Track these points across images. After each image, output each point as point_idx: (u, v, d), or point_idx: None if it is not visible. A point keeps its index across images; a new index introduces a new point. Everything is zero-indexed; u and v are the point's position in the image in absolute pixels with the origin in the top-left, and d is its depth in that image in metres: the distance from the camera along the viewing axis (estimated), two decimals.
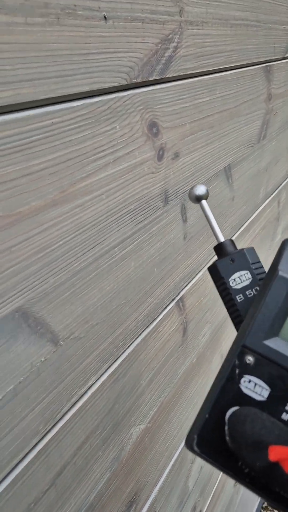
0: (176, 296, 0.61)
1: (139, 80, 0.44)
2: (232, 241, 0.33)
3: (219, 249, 0.33)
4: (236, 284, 0.31)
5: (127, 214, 0.46)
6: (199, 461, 0.85)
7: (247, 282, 0.31)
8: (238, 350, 0.27)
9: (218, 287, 0.32)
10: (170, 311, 0.60)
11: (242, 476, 0.26)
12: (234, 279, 0.31)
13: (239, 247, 0.34)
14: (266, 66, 0.81)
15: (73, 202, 0.38)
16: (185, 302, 0.64)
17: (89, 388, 0.45)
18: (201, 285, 0.69)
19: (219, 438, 0.27)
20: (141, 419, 0.58)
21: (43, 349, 0.37)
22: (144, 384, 0.57)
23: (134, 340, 0.52)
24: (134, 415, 0.56)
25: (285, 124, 1.02)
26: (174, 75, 0.50)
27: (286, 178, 1.12)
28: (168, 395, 0.65)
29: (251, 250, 0.32)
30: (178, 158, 0.54)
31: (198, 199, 0.35)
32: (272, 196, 1.01)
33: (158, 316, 0.57)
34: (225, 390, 0.27)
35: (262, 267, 0.32)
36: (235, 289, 0.31)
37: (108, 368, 0.48)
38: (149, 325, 0.55)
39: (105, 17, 0.37)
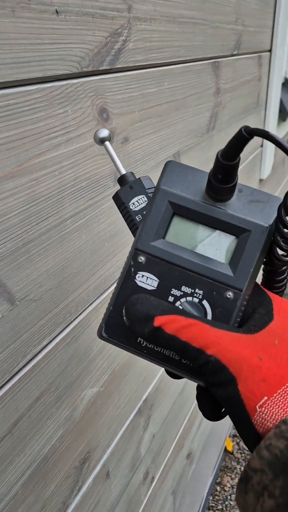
0: None
1: (90, 69, 0.48)
2: (132, 173, 0.39)
3: (121, 180, 0.39)
4: (135, 207, 0.37)
5: (79, 191, 0.50)
6: (151, 430, 0.91)
7: (143, 204, 0.37)
8: (132, 253, 0.34)
9: (121, 211, 0.38)
10: None
11: (141, 349, 0.33)
12: (133, 203, 0.37)
13: None
14: (214, 62, 0.88)
15: (29, 176, 0.42)
16: None
17: (43, 348, 0.50)
18: None
19: (120, 323, 0.33)
20: (93, 383, 0.63)
21: (0, 307, 0.42)
22: (96, 351, 0.62)
23: (86, 308, 0.57)
24: (86, 378, 0.61)
25: (234, 117, 1.09)
26: (123, 66, 0.55)
27: None
28: (119, 365, 0.70)
29: (147, 178, 0.38)
30: (128, 143, 0.59)
31: (102, 141, 0.41)
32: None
33: (109, 288, 0.62)
34: (124, 285, 0.34)
35: None
36: (134, 211, 0.37)
37: (61, 331, 0.53)
38: (100, 295, 0.60)
39: (57, 11, 0.42)
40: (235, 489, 1.77)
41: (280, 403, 0.27)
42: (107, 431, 0.71)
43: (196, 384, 0.33)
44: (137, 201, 0.37)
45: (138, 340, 0.33)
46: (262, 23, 1.16)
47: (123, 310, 0.32)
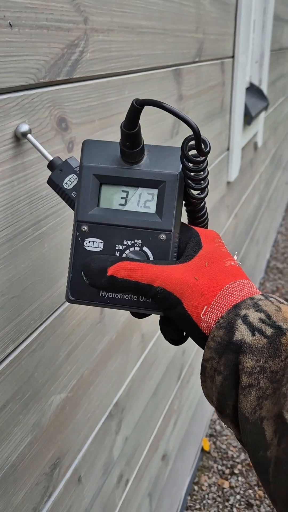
0: None
1: (47, 80, 0.49)
2: (58, 157, 0.43)
3: (50, 166, 0.43)
4: (68, 186, 0.41)
5: (39, 200, 0.51)
6: (124, 433, 0.92)
7: (75, 182, 0.41)
8: (75, 225, 0.39)
9: (58, 193, 0.42)
10: None
11: (105, 301, 0.39)
12: (66, 183, 0.41)
13: None
14: (176, 69, 0.89)
15: None
16: None
17: (8, 355, 0.50)
18: None
19: (82, 285, 0.39)
20: (61, 388, 0.64)
21: None
22: (62, 357, 0.63)
23: (51, 315, 0.58)
24: (53, 384, 0.61)
25: (199, 122, 1.11)
26: (81, 76, 0.56)
27: None
28: (87, 369, 0.71)
29: (72, 158, 0.42)
30: None
31: (24, 135, 0.44)
32: None
33: None
34: (76, 253, 0.39)
35: None
36: (69, 189, 0.41)
37: (26, 339, 0.53)
38: (65, 302, 0.61)
39: (10, 24, 0.42)
40: (212, 488, 1.79)
41: (217, 307, 0.35)
42: (77, 436, 0.71)
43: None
44: (69, 180, 0.41)
45: (101, 294, 0.39)
46: (223, 31, 1.19)
47: (82, 273, 0.37)
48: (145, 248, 0.38)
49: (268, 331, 0.32)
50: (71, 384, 0.66)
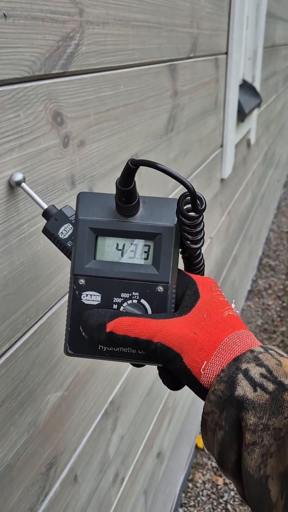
0: None
1: (42, 72, 0.48)
2: (53, 205, 0.43)
3: (45, 214, 0.42)
4: (64, 235, 0.41)
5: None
6: (119, 432, 0.91)
7: (71, 231, 0.41)
8: (72, 278, 0.39)
9: (53, 242, 0.41)
10: None
11: (104, 353, 0.39)
12: (62, 232, 0.41)
13: None
14: (171, 64, 0.89)
15: None
16: None
17: (3, 354, 0.50)
18: None
19: (80, 338, 0.39)
20: (57, 387, 0.63)
21: None
22: (58, 355, 0.62)
23: (46, 312, 0.57)
24: (49, 383, 0.61)
25: (193, 118, 1.10)
26: (76, 70, 0.55)
27: (196, 170, 1.21)
28: (83, 367, 0.70)
29: (67, 207, 0.42)
30: (84, 146, 0.59)
31: (18, 184, 0.44)
32: (181, 186, 1.09)
33: None
34: (74, 307, 0.39)
35: None
36: (64, 239, 0.41)
37: (21, 337, 0.52)
38: (61, 299, 0.60)
39: (4, 15, 0.41)
40: (206, 485, 1.79)
41: (217, 361, 0.35)
42: (73, 434, 0.70)
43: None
44: (64, 229, 0.41)
45: (99, 348, 0.39)
46: (217, 26, 1.18)
47: (80, 328, 0.38)
48: (142, 301, 0.38)
49: (270, 387, 0.32)
50: (67, 382, 0.65)
